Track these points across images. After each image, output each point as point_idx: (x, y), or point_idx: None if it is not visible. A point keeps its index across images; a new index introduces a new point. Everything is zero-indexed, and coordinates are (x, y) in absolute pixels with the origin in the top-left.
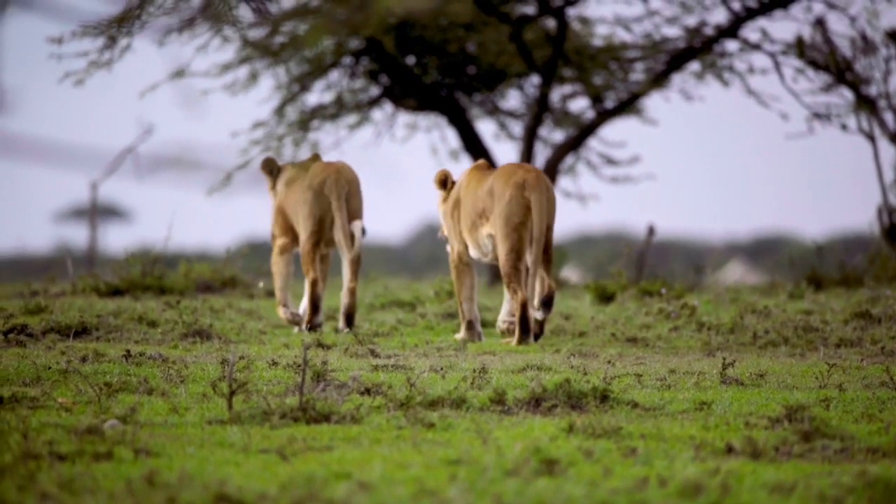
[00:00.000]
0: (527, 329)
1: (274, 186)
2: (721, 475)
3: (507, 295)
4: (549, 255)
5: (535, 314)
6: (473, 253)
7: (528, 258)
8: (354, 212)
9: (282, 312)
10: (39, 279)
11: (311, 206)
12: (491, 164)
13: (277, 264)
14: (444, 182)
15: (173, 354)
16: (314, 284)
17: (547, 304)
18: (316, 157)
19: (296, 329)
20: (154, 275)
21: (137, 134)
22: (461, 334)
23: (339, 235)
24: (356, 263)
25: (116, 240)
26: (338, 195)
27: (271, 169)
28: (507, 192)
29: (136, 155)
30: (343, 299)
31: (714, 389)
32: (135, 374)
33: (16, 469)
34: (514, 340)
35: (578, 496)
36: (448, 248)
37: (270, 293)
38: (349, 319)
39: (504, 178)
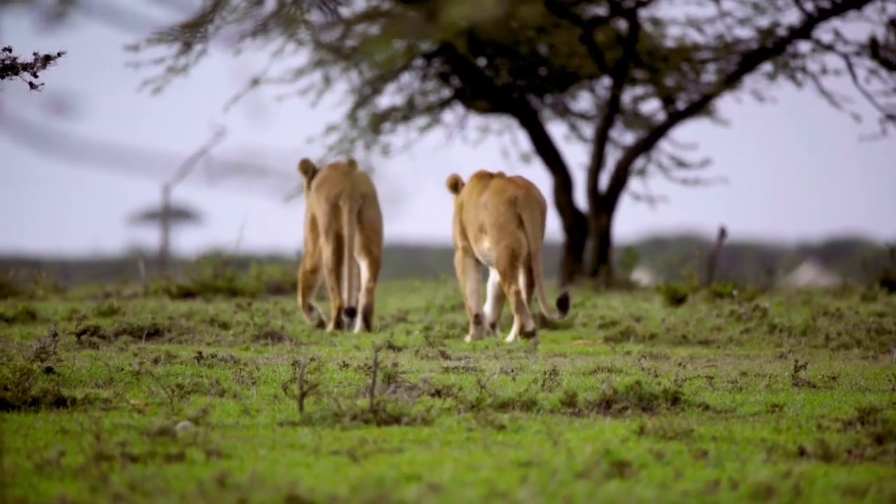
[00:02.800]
0: (525, 313)
1: (309, 186)
2: (793, 478)
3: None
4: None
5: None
6: (479, 258)
7: (527, 274)
8: (371, 220)
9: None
10: (112, 281)
11: (328, 220)
12: (491, 173)
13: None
14: (456, 186)
15: (245, 356)
16: (339, 310)
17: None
18: (353, 163)
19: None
20: (225, 277)
21: (210, 137)
22: (470, 335)
23: (355, 247)
24: (375, 266)
25: (188, 242)
26: (350, 209)
27: (307, 170)
28: (500, 208)
29: (208, 158)
30: (360, 299)
31: (786, 392)
32: (206, 375)
33: (88, 470)
34: (511, 335)
35: (649, 499)
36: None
37: None
38: (367, 320)
39: (497, 195)
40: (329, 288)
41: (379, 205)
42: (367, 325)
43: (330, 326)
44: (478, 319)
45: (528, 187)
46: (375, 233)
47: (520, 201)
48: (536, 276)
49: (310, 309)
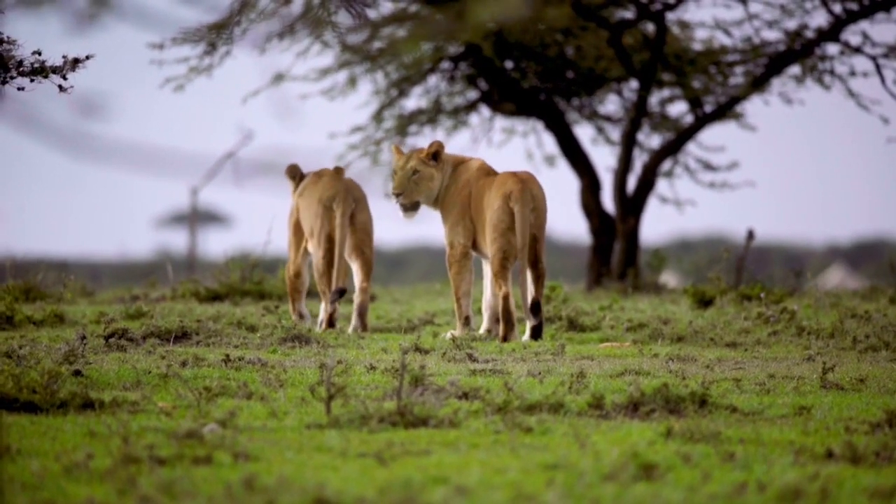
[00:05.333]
0: (510, 322)
1: (296, 191)
2: (821, 480)
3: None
4: (540, 271)
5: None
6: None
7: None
8: (364, 223)
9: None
10: (140, 284)
11: (321, 222)
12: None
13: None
14: (436, 155)
15: (272, 359)
16: (333, 313)
17: (534, 331)
18: (339, 170)
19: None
20: (253, 280)
21: (237, 139)
22: (457, 331)
23: (346, 250)
24: (367, 267)
25: (216, 245)
26: (343, 211)
27: (294, 174)
28: (496, 203)
29: (235, 160)
30: (355, 298)
31: (814, 394)
32: (234, 378)
33: (116, 473)
34: (500, 337)
35: (677, 501)
36: (446, 241)
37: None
38: (362, 317)
39: (496, 188)
40: (319, 291)
41: (369, 208)
42: (363, 323)
43: (322, 328)
44: (467, 322)
45: (524, 182)
46: (367, 235)
47: (513, 195)
48: (521, 270)
49: (300, 316)
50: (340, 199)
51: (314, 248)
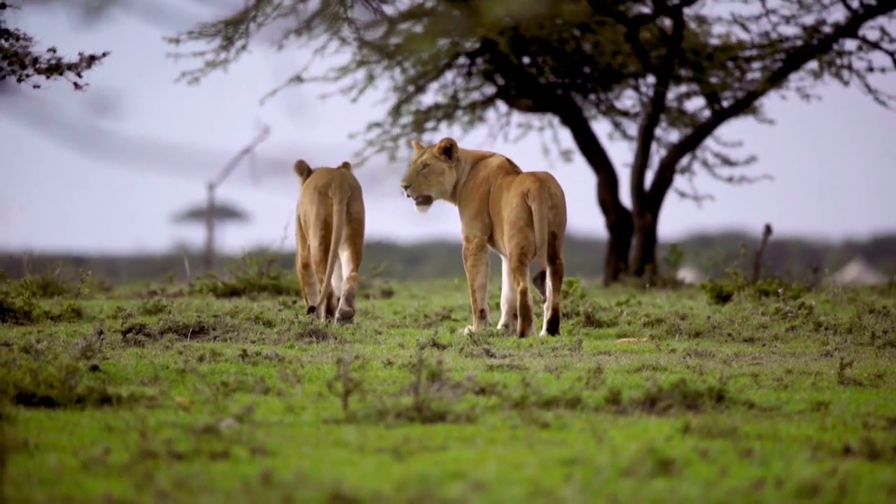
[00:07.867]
0: (528, 317)
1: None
2: (838, 476)
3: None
4: (558, 267)
5: (541, 334)
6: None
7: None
8: (357, 213)
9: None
10: (157, 279)
11: (316, 209)
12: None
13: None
14: (449, 150)
15: (289, 354)
16: (330, 298)
17: (551, 327)
18: (347, 165)
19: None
20: (270, 275)
21: (254, 135)
22: (473, 326)
23: (338, 236)
24: (357, 257)
25: (233, 240)
26: (340, 199)
27: (302, 170)
28: (514, 200)
29: (252, 157)
30: (343, 286)
31: (831, 390)
32: (251, 373)
33: (133, 468)
34: (517, 332)
35: (694, 497)
36: (463, 236)
37: (386, 293)
38: (349, 301)
39: (515, 187)
40: (317, 279)
41: (362, 199)
42: (351, 307)
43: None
44: (482, 315)
45: (542, 181)
46: (360, 225)
47: (531, 193)
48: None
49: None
50: (336, 186)
51: (311, 237)
